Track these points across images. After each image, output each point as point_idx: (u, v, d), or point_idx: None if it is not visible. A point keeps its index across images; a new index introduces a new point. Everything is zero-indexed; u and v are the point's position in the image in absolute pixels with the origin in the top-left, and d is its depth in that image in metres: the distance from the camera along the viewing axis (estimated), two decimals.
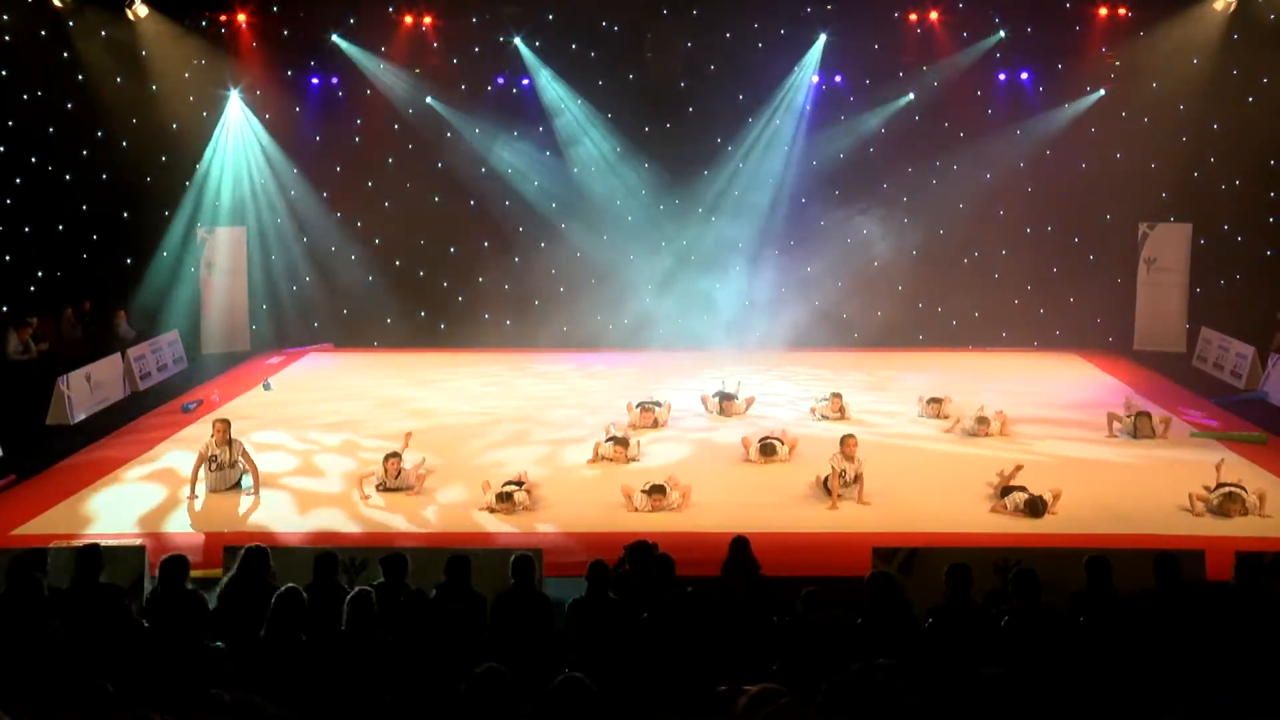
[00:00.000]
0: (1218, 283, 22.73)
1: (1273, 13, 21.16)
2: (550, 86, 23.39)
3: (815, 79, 23.45)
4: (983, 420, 16.18)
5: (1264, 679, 6.79)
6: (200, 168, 22.77)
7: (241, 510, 13.14)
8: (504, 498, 12.85)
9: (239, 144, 23.11)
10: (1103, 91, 22.94)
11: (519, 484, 13.19)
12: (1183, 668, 6.99)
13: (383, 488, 13.53)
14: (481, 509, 12.96)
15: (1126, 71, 22.76)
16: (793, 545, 11.74)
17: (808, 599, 7.94)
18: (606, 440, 15.12)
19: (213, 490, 13.55)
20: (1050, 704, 5.98)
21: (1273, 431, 16.23)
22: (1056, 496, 12.81)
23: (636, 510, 12.85)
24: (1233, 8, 21.66)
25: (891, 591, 7.99)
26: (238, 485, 13.70)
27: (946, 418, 16.89)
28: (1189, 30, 22.09)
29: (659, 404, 17.08)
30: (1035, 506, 12.59)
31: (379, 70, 23.14)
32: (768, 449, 14.84)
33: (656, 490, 12.93)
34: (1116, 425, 16.26)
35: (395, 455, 13.73)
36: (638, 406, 16.82)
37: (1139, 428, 15.93)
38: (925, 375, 19.09)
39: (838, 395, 17.37)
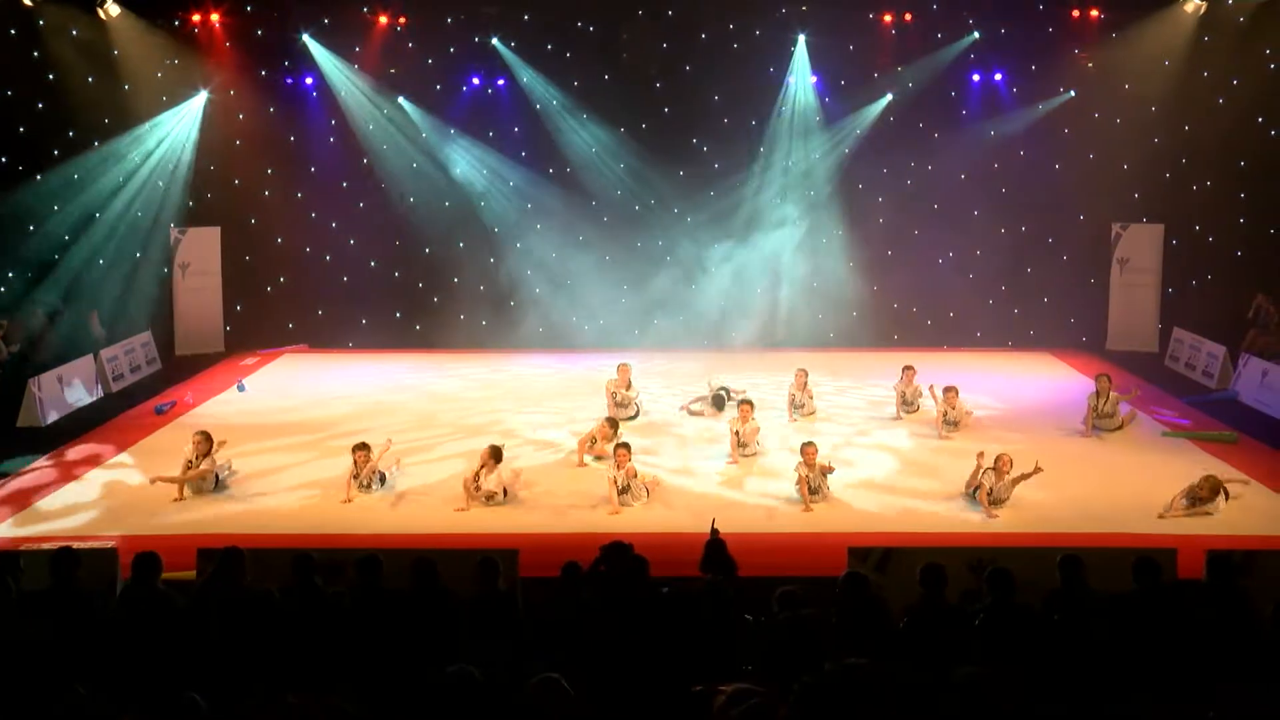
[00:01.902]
0: (1189, 283, 22.91)
1: (1241, 15, 21.36)
2: (525, 87, 23.35)
3: (792, 79, 23.52)
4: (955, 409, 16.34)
5: (1237, 674, 6.85)
6: (163, 167, 22.59)
7: (217, 512, 13.07)
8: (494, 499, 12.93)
9: (206, 144, 22.90)
10: (1073, 92, 23.07)
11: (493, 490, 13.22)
12: (1157, 665, 7.06)
13: (357, 479, 13.47)
14: (459, 510, 12.96)
15: (1099, 73, 22.92)
16: (769, 545, 11.78)
17: (783, 599, 7.96)
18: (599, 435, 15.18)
19: (196, 494, 13.49)
20: (1024, 702, 6.01)
21: (1243, 431, 16.38)
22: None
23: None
24: (1203, 10, 21.85)
25: (866, 591, 8.02)
26: (215, 488, 13.66)
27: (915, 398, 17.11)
28: (1160, 32, 22.27)
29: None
30: (997, 463, 12.84)
31: (353, 70, 23.04)
32: (718, 400, 15.38)
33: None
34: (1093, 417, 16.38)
35: (364, 446, 13.65)
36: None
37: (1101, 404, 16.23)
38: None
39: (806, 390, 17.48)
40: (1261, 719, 5.81)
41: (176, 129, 22.59)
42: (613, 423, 15.14)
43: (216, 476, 13.72)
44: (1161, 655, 7.42)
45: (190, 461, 13.53)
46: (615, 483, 13.14)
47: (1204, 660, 7.26)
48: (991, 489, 12.84)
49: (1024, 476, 12.85)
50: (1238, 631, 7.66)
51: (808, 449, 13.46)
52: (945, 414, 16.30)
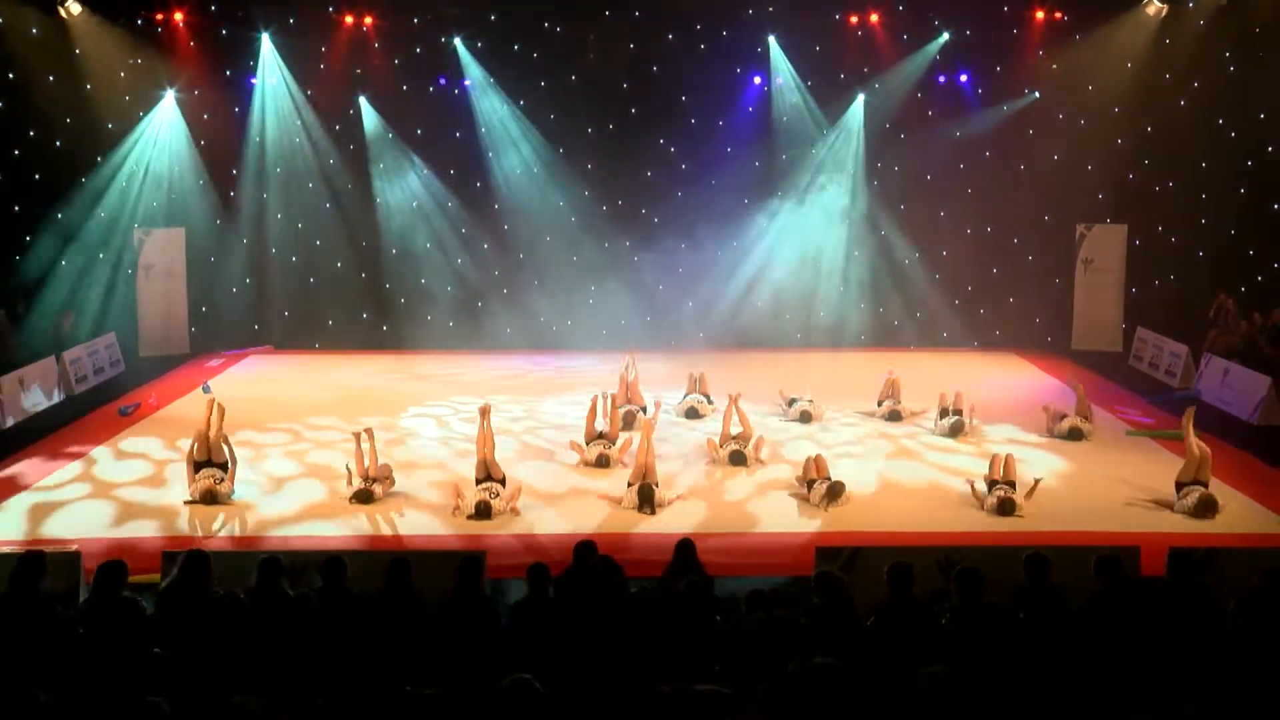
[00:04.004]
0: (1153, 283, 23.12)
1: (1201, 18, 21.59)
2: (492, 87, 23.30)
3: (758, 80, 23.59)
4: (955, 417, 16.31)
5: (1199, 672, 6.91)
6: (126, 167, 22.41)
7: (182, 514, 12.96)
8: (482, 509, 12.58)
9: (172, 145, 22.77)
10: (1037, 94, 23.26)
11: (499, 482, 13.09)
12: (1124, 662, 7.12)
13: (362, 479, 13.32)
14: (455, 514, 12.77)
15: (1062, 74, 23.09)
16: (738, 546, 11.80)
17: (751, 599, 7.98)
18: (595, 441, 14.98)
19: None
20: (991, 701, 6.04)
21: (1205, 429, 16.52)
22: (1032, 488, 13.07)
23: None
24: (1164, 13, 22.08)
25: (835, 591, 8.04)
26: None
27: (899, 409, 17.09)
28: (1122, 34, 22.49)
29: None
30: (1005, 507, 12.74)
31: (318, 70, 22.92)
32: (736, 458, 14.72)
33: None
34: (1053, 424, 16.49)
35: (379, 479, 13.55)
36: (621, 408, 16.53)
37: (1071, 433, 16.16)
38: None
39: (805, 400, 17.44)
40: (1237, 715, 5.86)
41: (158, 135, 22.52)
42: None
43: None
44: (1127, 652, 7.48)
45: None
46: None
47: (1169, 657, 7.32)
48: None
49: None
50: (1200, 628, 7.74)
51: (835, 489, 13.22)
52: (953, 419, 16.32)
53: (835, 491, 12.98)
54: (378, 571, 8.50)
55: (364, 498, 13.08)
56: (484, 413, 13.94)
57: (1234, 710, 5.66)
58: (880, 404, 17.39)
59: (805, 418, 16.99)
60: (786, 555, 11.43)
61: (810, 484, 13.30)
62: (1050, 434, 16.27)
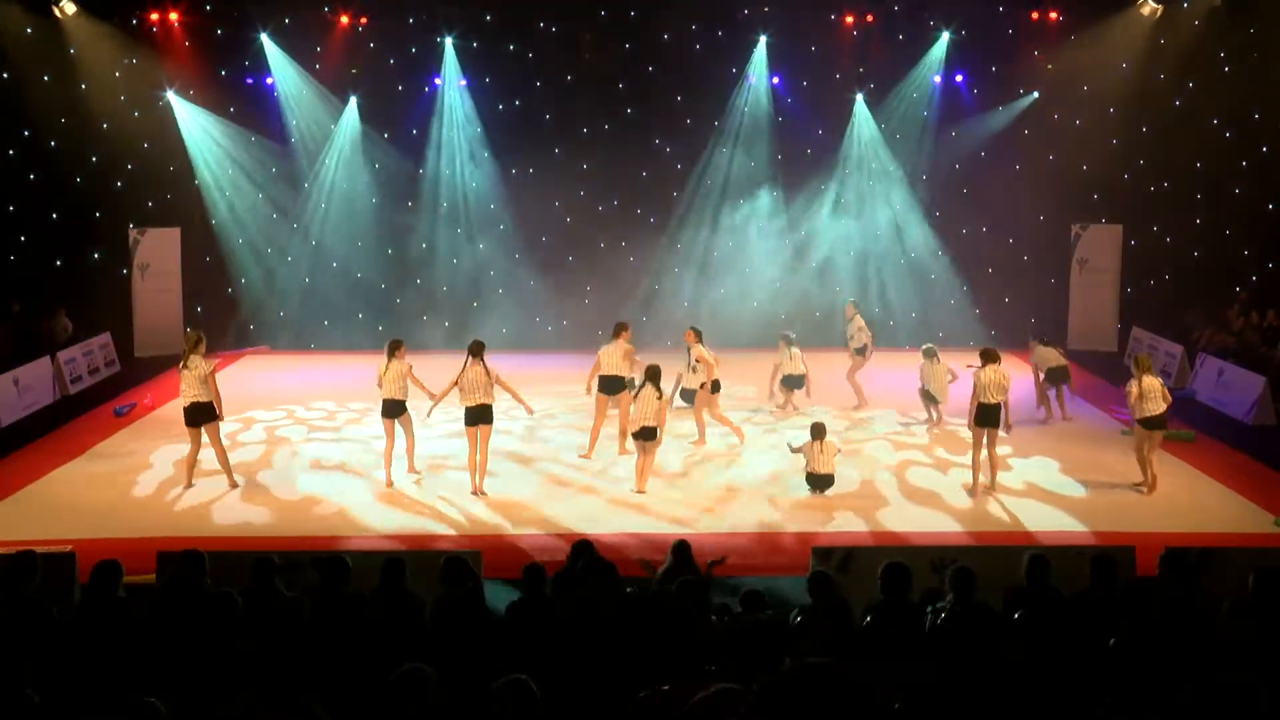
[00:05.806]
0: (1148, 283, 23.15)
1: (1196, 19, 21.63)
2: (486, 87, 23.30)
3: (752, 80, 23.60)
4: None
5: (1194, 672, 6.92)
6: (135, 169, 22.44)
7: (178, 514, 12.96)
8: None
9: (167, 145, 22.76)
10: (1035, 94, 23.29)
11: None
12: (1117, 661, 7.12)
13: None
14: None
15: (1058, 75, 23.13)
16: (733, 546, 11.80)
17: (747, 598, 7.98)
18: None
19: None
20: (985, 700, 6.04)
21: (1200, 429, 16.57)
22: None
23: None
24: (1159, 14, 22.12)
25: (830, 590, 8.05)
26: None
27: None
28: (1118, 35, 22.54)
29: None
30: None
31: (313, 70, 22.92)
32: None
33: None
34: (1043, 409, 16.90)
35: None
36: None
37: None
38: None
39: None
40: (1232, 715, 5.86)
41: (190, 134, 22.75)
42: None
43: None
44: (1122, 651, 7.49)
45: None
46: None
47: (1164, 656, 7.32)
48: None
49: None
50: (1195, 628, 7.74)
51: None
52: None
53: (814, 484, 13.33)
54: (373, 571, 8.49)
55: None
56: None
57: (1229, 710, 5.66)
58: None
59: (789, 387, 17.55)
60: (782, 556, 11.43)
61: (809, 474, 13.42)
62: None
